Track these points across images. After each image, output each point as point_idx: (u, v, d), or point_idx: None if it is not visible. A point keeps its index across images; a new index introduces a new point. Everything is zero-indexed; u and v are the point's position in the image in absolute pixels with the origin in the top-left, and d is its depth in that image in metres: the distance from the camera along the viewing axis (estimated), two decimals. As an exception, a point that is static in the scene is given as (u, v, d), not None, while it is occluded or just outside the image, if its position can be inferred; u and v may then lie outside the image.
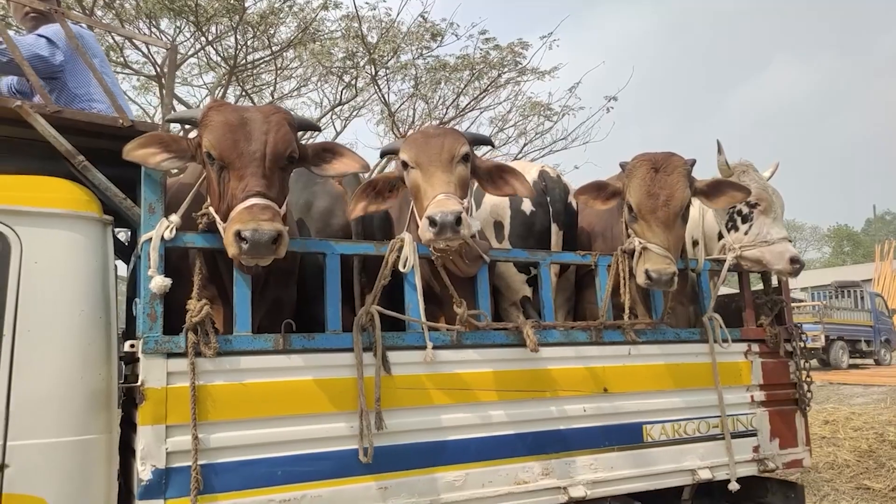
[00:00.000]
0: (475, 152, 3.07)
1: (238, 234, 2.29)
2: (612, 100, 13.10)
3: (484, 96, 13.04)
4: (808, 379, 3.80)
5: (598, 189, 3.41)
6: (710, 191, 3.38)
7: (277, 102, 14.05)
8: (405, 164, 2.90)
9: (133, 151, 2.49)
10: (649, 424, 3.29)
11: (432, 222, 2.58)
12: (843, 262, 50.10)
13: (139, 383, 2.35)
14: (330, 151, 2.80)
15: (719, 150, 3.84)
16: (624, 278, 3.37)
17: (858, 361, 19.04)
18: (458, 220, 2.56)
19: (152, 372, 2.37)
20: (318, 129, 3.55)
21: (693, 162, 3.41)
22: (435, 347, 2.81)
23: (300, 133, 2.89)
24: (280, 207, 2.47)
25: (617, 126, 14.10)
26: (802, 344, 3.86)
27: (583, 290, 3.88)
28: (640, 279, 3.17)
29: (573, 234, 3.77)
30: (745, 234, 3.80)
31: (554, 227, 3.62)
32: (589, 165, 24.66)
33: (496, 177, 3.10)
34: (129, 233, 3.81)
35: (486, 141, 3.24)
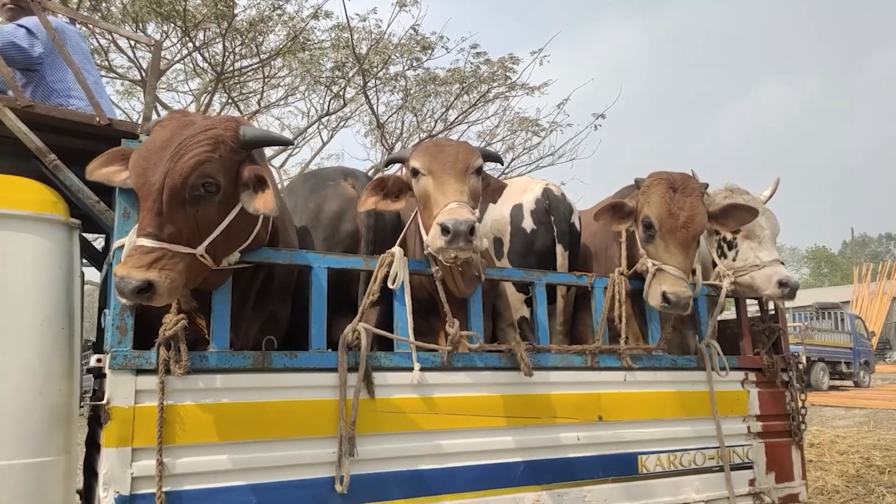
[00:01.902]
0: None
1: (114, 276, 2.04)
2: (599, 117, 13.14)
3: (472, 110, 13.01)
4: (804, 410, 3.69)
5: (615, 209, 3.29)
6: (722, 214, 3.29)
7: (264, 111, 13.90)
8: (415, 172, 2.76)
9: (96, 171, 2.26)
10: (644, 455, 3.15)
11: (445, 230, 2.43)
12: (822, 284, 50.76)
13: (105, 401, 2.16)
14: (262, 182, 2.30)
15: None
16: (620, 301, 3.25)
17: (838, 383, 19.15)
18: (472, 230, 2.42)
19: (119, 389, 2.18)
20: (290, 144, 3.18)
21: (706, 186, 3.33)
22: (424, 369, 2.65)
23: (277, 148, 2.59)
24: (196, 245, 2.15)
25: (604, 143, 14.15)
26: (800, 373, 3.76)
27: (578, 312, 3.75)
28: (656, 301, 3.04)
29: (576, 255, 3.65)
30: (734, 260, 3.71)
31: (559, 248, 3.50)
32: (575, 182, 24.78)
33: (490, 194, 3.01)
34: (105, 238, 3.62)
35: (496, 158, 3.12)
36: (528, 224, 3.56)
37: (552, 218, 3.58)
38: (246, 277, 2.59)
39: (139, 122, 3.03)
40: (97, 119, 2.45)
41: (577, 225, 3.70)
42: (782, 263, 3.65)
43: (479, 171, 2.80)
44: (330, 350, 2.58)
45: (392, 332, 2.71)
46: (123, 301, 2.20)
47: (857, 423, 11.05)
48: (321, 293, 2.59)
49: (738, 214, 3.31)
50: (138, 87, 10.93)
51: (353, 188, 3.30)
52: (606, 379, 3.13)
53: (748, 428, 3.51)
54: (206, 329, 2.48)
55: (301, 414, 2.43)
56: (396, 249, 2.74)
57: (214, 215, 2.23)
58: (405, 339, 2.67)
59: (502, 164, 3.24)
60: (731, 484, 3.28)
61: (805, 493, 3.68)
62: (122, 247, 2.29)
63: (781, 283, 3.48)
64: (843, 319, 20.70)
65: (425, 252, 2.80)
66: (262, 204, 2.24)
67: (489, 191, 3.01)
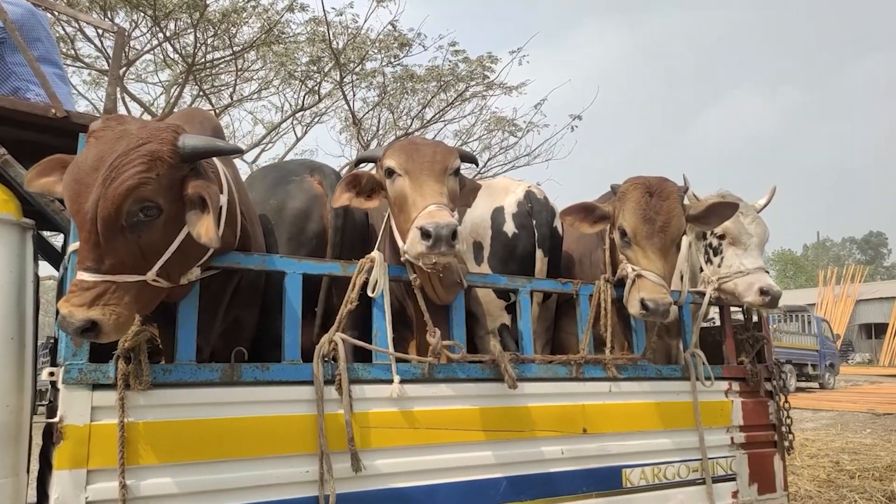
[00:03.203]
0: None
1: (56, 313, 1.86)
2: (576, 118, 13.13)
3: (449, 109, 12.88)
4: (789, 420, 3.65)
5: (586, 211, 3.19)
6: (704, 215, 3.20)
7: (236, 105, 13.58)
8: (390, 172, 2.61)
9: (34, 181, 2.02)
10: (629, 468, 3.06)
11: (425, 234, 2.30)
12: (788, 286, 51.77)
13: (57, 419, 1.98)
14: (203, 203, 2.03)
15: (685, 184, 3.68)
16: (605, 309, 3.15)
17: (804, 385, 19.45)
18: (454, 234, 2.29)
19: (74, 406, 2.00)
20: (239, 152, 2.78)
21: (686, 189, 3.23)
22: (404, 381, 2.52)
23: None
24: (145, 271, 1.95)
25: (580, 145, 14.16)
26: (783, 383, 3.71)
27: (560, 319, 3.65)
28: (634, 309, 2.94)
29: (558, 261, 3.54)
30: (719, 266, 3.65)
31: (539, 253, 3.38)
32: (551, 182, 24.87)
33: (465, 195, 2.88)
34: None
35: (472, 159, 2.97)
36: (509, 228, 3.44)
37: (534, 222, 3.46)
38: (216, 283, 2.42)
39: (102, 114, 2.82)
40: (53, 111, 2.26)
41: (560, 229, 3.58)
42: (767, 272, 3.60)
43: (456, 171, 2.68)
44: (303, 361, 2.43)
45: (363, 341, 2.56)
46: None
47: (825, 426, 11.21)
48: (296, 301, 2.44)
49: (719, 211, 3.22)
50: (105, 78, 10.55)
51: (320, 185, 3.08)
52: (591, 390, 3.03)
53: (731, 439, 3.44)
54: (159, 338, 2.32)
55: (275, 430, 2.27)
56: (376, 254, 2.60)
57: (160, 238, 2.00)
58: (385, 350, 2.53)
59: (477, 166, 3.09)
60: (712, 497, 3.21)
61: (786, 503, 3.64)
62: (76, 251, 2.11)
63: (763, 292, 3.42)
64: (809, 322, 21.04)
65: (402, 259, 2.65)
66: (203, 231, 1.98)
67: (464, 192, 2.87)
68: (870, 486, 6.41)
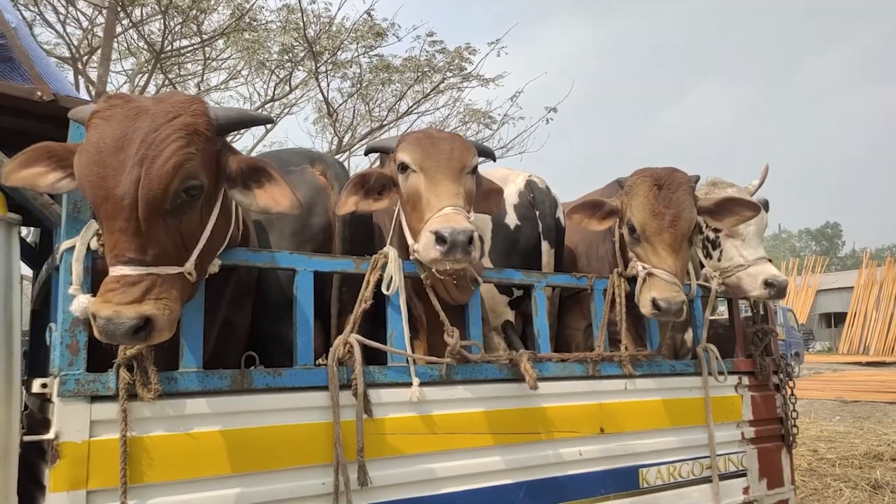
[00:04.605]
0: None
1: (93, 318, 1.66)
2: (551, 111, 13.07)
3: (424, 101, 12.68)
4: (794, 413, 3.61)
5: (594, 207, 3.07)
6: (717, 209, 3.07)
7: (204, 94, 13.16)
8: (404, 167, 2.45)
9: (14, 173, 1.82)
10: (645, 468, 2.97)
11: (440, 239, 2.15)
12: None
13: (52, 436, 1.79)
14: (262, 174, 1.98)
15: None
16: (620, 304, 3.04)
17: (771, 374, 19.83)
18: (471, 240, 2.15)
19: (71, 421, 1.81)
20: (271, 122, 2.61)
21: (697, 179, 3.13)
22: (422, 384, 2.37)
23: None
24: (184, 262, 1.80)
25: (552, 138, 14.14)
26: (789, 377, 3.67)
27: (563, 315, 3.54)
28: (646, 309, 2.84)
29: (561, 253, 3.42)
30: (718, 260, 3.56)
31: (545, 245, 3.25)
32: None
33: (483, 197, 2.74)
34: (39, 233, 3.16)
35: (490, 154, 2.82)
36: (511, 220, 3.30)
37: (537, 213, 3.33)
38: (215, 283, 2.24)
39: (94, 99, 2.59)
40: (38, 94, 2.03)
41: (563, 220, 3.47)
42: (769, 260, 3.51)
43: (474, 169, 2.53)
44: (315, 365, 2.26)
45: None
46: (80, 316, 1.82)
47: (798, 412, 11.40)
48: (307, 300, 2.26)
49: (736, 210, 3.08)
50: (67, 66, 10.06)
51: (323, 175, 2.89)
52: (607, 388, 2.93)
53: (742, 434, 3.38)
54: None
55: (288, 441, 2.10)
56: (390, 250, 2.44)
57: (198, 223, 1.85)
58: (403, 352, 2.38)
59: (494, 160, 2.94)
60: (717, 494, 3.15)
61: (794, 498, 3.60)
62: (71, 248, 1.91)
63: (767, 283, 3.34)
64: (776, 312, 21.48)
65: (411, 257, 2.50)
66: (279, 198, 1.92)
67: (481, 193, 2.71)
68: (853, 475, 6.49)
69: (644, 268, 2.90)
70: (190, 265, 1.82)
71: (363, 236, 2.91)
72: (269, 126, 13.79)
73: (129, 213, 1.68)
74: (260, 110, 13.83)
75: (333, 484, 2.12)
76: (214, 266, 2.03)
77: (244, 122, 2.05)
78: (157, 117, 1.76)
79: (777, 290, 3.33)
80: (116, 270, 1.68)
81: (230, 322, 2.54)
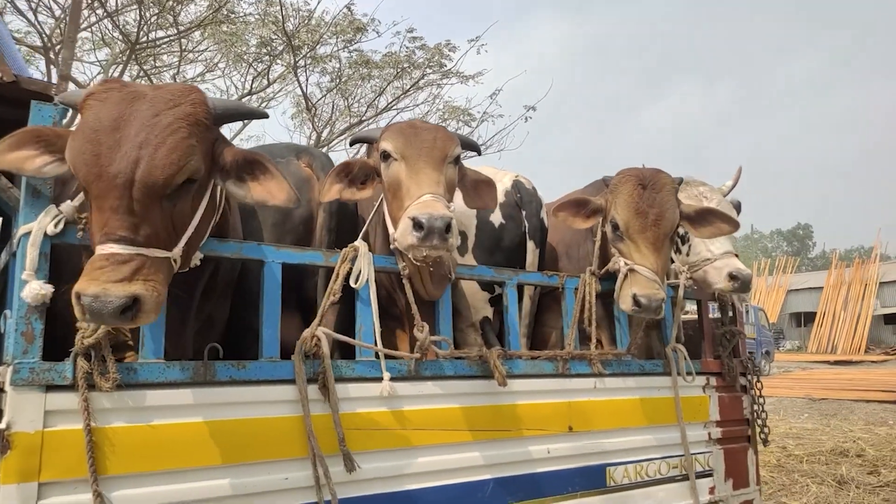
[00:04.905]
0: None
1: (77, 297, 1.60)
2: (531, 109, 13.13)
3: (404, 97, 12.65)
4: (764, 414, 3.65)
5: (579, 205, 3.08)
6: (697, 218, 3.11)
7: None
8: (386, 155, 2.44)
9: (3, 157, 1.80)
10: (612, 466, 2.98)
11: (417, 225, 2.14)
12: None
13: (3, 426, 1.73)
14: (257, 166, 1.98)
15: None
16: (590, 303, 3.05)
17: (742, 371, 20.18)
18: (448, 227, 2.14)
19: (24, 411, 1.75)
20: (265, 116, 2.64)
21: (680, 181, 3.16)
22: (392, 379, 2.35)
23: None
24: (172, 247, 1.80)
25: (531, 136, 14.21)
26: (757, 378, 3.71)
27: (542, 313, 3.54)
28: (626, 305, 2.85)
29: (544, 253, 3.43)
30: (687, 255, 3.60)
31: (530, 245, 3.26)
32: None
33: (472, 188, 2.72)
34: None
35: (474, 146, 2.81)
36: (496, 218, 3.30)
37: (523, 213, 3.35)
38: (191, 275, 2.18)
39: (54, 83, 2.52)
40: (0, 75, 1.98)
41: (546, 221, 3.48)
42: (736, 255, 3.54)
43: (456, 160, 2.53)
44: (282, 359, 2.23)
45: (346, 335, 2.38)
46: (32, 303, 1.77)
47: (767, 412, 11.59)
48: (275, 292, 2.23)
49: (716, 223, 3.11)
50: (38, 55, 9.83)
51: (309, 167, 2.90)
52: (577, 386, 2.93)
53: (709, 434, 3.41)
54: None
55: (253, 434, 2.07)
56: (360, 243, 2.42)
57: (189, 210, 1.86)
58: (372, 346, 2.35)
59: (479, 154, 2.93)
60: (696, 493, 3.17)
61: (759, 498, 3.64)
62: (28, 234, 1.85)
63: (732, 276, 3.34)
64: (747, 311, 21.84)
65: (391, 247, 2.49)
66: (275, 192, 1.92)
67: (469, 185, 2.71)
68: (819, 471, 6.61)
69: (626, 264, 2.91)
70: (178, 251, 1.81)
71: (350, 228, 2.90)
72: (244, 124, 13.66)
73: (123, 191, 1.67)
74: (237, 104, 13.64)
75: (299, 478, 2.09)
76: (196, 259, 2.02)
77: (241, 113, 2.08)
78: (156, 103, 1.78)
79: (741, 282, 3.34)
80: (105, 248, 1.66)
81: (210, 317, 2.50)
